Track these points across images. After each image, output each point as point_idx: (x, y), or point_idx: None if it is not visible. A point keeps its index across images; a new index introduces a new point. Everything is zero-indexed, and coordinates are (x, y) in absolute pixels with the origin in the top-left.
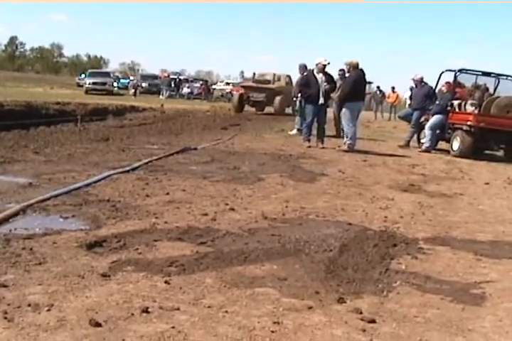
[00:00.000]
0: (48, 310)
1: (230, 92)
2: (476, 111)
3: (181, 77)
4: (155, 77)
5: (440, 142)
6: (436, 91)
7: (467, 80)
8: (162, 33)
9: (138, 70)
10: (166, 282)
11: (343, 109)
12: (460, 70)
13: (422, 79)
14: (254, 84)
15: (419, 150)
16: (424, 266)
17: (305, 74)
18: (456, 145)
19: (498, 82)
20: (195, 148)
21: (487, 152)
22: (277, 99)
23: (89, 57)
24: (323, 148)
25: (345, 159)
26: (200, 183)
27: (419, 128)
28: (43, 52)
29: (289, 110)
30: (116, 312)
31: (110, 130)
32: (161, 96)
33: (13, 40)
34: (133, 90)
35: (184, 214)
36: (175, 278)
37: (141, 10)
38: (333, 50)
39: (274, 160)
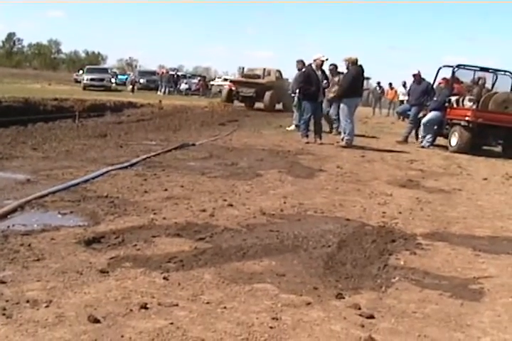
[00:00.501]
0: (47, 306)
1: None
2: (474, 107)
3: (179, 73)
4: (153, 73)
5: (438, 138)
6: (435, 87)
7: (465, 76)
8: (160, 29)
9: (136, 66)
10: (164, 278)
11: (341, 105)
12: (458, 66)
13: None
14: (243, 79)
15: (418, 145)
16: (422, 261)
17: (304, 70)
18: (454, 140)
19: (496, 77)
20: (194, 144)
21: (485, 147)
22: (267, 94)
23: (87, 53)
24: (321, 144)
25: (344, 155)
26: (199, 179)
27: (417, 123)
28: (41, 48)
29: (279, 106)
30: (115, 308)
31: (108, 126)
32: (158, 93)
33: (10, 36)
34: (131, 86)
35: (182, 210)
36: (173, 274)
37: (138, 6)
38: (332, 45)
39: (272, 156)
